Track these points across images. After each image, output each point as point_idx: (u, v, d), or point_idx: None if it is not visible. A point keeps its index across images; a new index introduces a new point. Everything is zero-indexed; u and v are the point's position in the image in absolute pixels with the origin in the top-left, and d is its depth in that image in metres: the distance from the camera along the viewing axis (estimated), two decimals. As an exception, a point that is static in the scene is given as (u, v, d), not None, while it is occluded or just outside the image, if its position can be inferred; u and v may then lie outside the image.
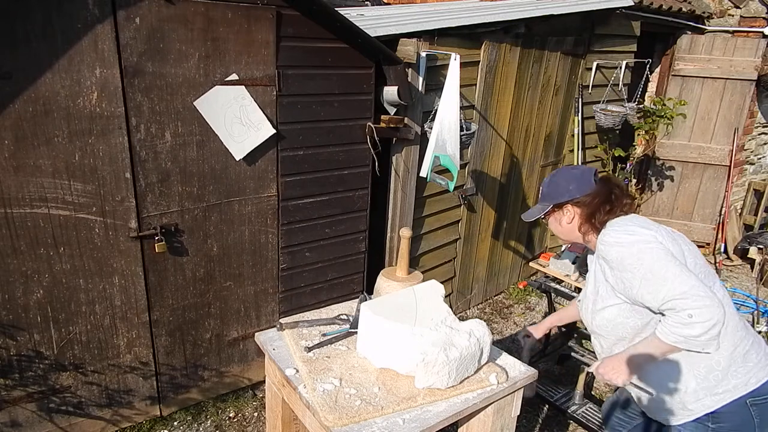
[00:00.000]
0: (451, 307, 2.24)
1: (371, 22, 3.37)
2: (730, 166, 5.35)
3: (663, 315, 1.59)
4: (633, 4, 4.36)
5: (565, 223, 1.86)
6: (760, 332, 3.74)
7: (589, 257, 1.99)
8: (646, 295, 1.59)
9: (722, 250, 5.52)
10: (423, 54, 3.10)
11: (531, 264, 4.99)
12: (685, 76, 5.42)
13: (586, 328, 2.09)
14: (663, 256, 1.58)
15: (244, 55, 2.52)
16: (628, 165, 5.08)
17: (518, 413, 1.79)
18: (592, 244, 1.84)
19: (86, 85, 2.19)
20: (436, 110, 3.07)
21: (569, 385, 3.22)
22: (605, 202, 1.78)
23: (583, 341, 3.17)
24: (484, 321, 1.66)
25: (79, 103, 2.20)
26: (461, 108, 3.22)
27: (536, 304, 4.53)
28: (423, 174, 3.12)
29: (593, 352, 2.14)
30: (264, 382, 2.64)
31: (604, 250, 1.69)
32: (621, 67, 4.69)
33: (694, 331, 1.49)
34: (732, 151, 5.31)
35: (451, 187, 3.25)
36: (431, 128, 3.11)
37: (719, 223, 5.55)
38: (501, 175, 4.17)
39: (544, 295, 3.66)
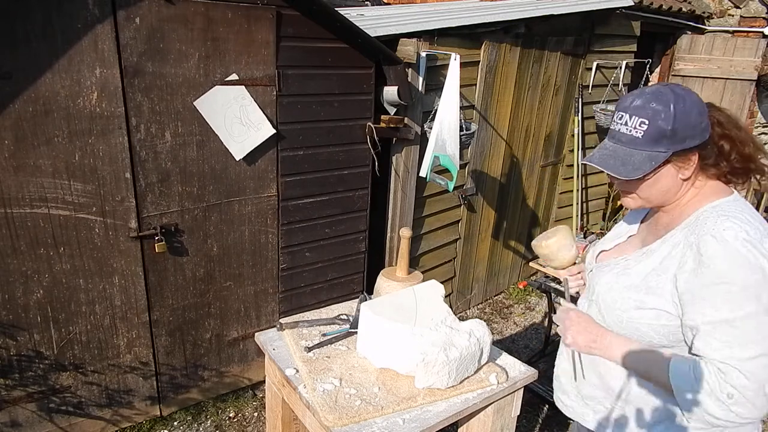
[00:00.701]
0: (451, 307, 2.24)
1: (371, 22, 3.36)
2: (730, 166, 5.34)
3: (697, 356, 1.20)
4: (633, 4, 4.37)
5: (680, 179, 1.25)
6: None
7: (628, 223, 1.48)
8: (712, 340, 1.15)
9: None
10: (423, 54, 3.10)
11: (531, 264, 4.99)
12: (685, 76, 5.42)
13: None
14: None
15: (244, 55, 2.52)
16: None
17: (518, 413, 1.79)
18: (674, 213, 1.30)
19: (86, 85, 2.19)
20: (436, 110, 3.07)
21: (569, 385, 3.22)
22: (746, 158, 1.24)
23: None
24: (484, 321, 1.65)
25: (79, 103, 2.20)
26: (461, 108, 3.22)
27: (536, 304, 4.53)
28: (423, 174, 3.12)
29: None
30: (264, 382, 2.64)
31: (710, 245, 1.15)
32: (621, 67, 4.69)
33: (715, 409, 1.14)
34: (732, 151, 5.31)
35: (451, 187, 3.25)
36: (431, 128, 3.11)
37: (719, 223, 5.54)
38: (501, 175, 4.17)
39: (544, 295, 3.66)
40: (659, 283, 1.24)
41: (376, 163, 3.11)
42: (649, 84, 5.71)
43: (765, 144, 6.15)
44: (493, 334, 1.75)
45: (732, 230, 1.14)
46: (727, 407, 1.13)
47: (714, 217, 1.19)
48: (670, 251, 1.25)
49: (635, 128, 1.21)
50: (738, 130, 1.25)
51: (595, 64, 4.52)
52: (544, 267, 3.43)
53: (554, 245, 1.71)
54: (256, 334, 1.97)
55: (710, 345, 1.15)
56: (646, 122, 1.19)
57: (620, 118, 1.25)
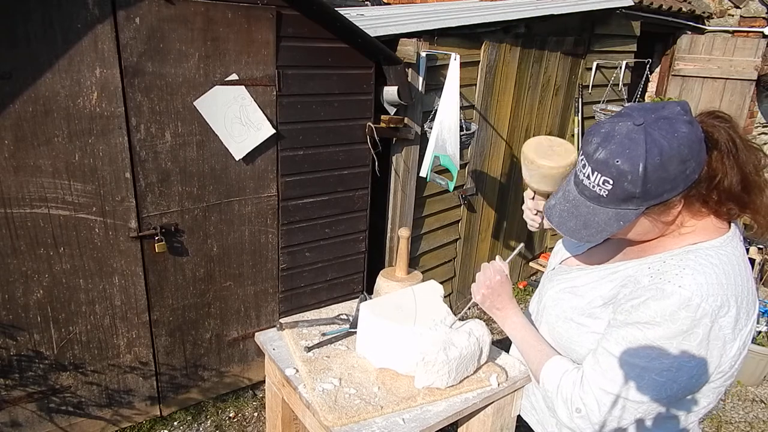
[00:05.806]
0: (450, 307, 2.24)
1: (371, 22, 3.37)
2: (730, 166, 5.34)
3: (578, 365, 1.22)
4: (633, 4, 4.37)
5: (661, 223, 1.09)
6: (760, 332, 3.73)
7: (602, 245, 1.32)
8: (595, 360, 1.13)
9: (722, 250, 5.50)
10: (423, 54, 3.10)
11: (531, 264, 5.00)
12: (685, 76, 5.43)
13: None
14: (701, 368, 1.03)
15: (244, 55, 2.52)
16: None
17: (518, 413, 1.79)
18: (651, 243, 1.16)
19: (86, 85, 2.19)
20: (436, 110, 3.08)
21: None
22: (743, 191, 1.04)
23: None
24: (484, 321, 1.66)
25: (79, 103, 2.20)
26: (461, 108, 3.22)
27: (536, 304, 4.53)
28: (423, 174, 3.12)
29: None
30: (264, 382, 2.65)
31: (654, 293, 1.04)
32: (621, 67, 4.69)
33: (562, 414, 1.19)
34: (732, 151, 5.31)
35: (451, 187, 3.25)
36: (431, 128, 3.11)
37: (719, 223, 5.54)
38: (501, 175, 4.17)
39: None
40: (604, 311, 1.19)
41: (376, 163, 3.11)
42: (648, 86, 5.72)
43: (765, 144, 6.15)
44: (493, 333, 1.75)
45: (687, 290, 1.01)
46: (571, 417, 1.17)
47: (679, 267, 1.05)
48: (622, 282, 1.16)
49: (598, 185, 1.02)
50: (737, 151, 1.04)
51: (595, 64, 4.52)
52: (544, 267, 3.43)
53: (554, 171, 1.43)
54: (255, 334, 1.97)
55: (589, 363, 1.15)
56: (610, 182, 1.00)
57: (583, 167, 1.05)
